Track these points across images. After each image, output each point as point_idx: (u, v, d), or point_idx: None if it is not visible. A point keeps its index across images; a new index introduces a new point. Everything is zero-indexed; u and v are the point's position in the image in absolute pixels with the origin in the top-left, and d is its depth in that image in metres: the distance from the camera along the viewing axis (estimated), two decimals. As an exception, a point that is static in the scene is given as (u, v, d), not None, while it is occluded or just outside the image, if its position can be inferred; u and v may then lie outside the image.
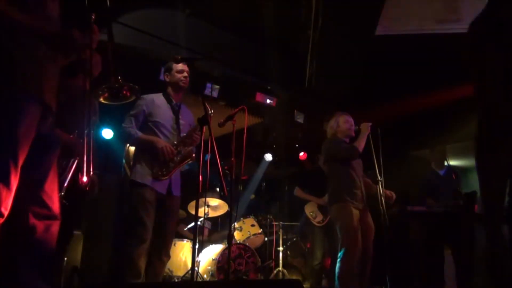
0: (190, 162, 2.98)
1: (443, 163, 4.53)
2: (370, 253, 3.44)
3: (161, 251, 2.84)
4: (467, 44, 1.84)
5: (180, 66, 2.98)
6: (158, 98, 3.02)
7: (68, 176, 2.50)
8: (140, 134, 2.90)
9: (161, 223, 2.84)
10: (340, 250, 3.37)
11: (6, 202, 1.49)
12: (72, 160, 2.54)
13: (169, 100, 3.04)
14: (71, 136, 2.55)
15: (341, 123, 3.73)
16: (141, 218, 2.71)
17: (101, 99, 1.75)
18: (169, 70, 3.04)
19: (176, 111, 3.04)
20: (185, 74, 3.01)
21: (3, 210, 1.48)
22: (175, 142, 2.93)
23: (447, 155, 4.55)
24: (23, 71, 1.58)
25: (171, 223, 2.93)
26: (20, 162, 1.53)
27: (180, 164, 2.92)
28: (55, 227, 1.68)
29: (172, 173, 2.87)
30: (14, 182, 1.52)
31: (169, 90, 3.06)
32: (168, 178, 2.86)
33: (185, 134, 2.99)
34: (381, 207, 3.30)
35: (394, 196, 3.63)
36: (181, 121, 3.05)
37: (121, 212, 4.64)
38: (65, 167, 2.55)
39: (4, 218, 1.50)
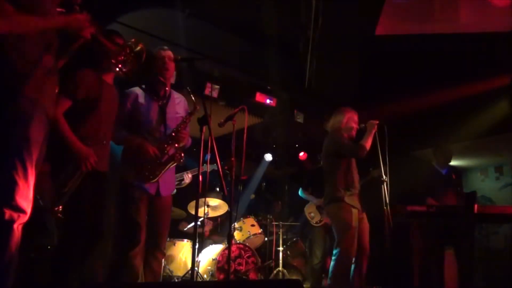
0: (175, 164, 2.83)
1: (447, 163, 4.52)
2: (367, 252, 3.44)
3: (155, 249, 2.79)
4: None
5: (161, 53, 2.81)
6: (142, 94, 2.86)
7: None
8: (125, 134, 2.79)
9: (153, 222, 2.80)
10: (335, 249, 3.35)
11: (25, 196, 1.59)
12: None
13: (155, 94, 2.87)
14: None
15: (349, 121, 3.68)
16: (134, 219, 2.66)
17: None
18: (151, 60, 2.82)
19: (162, 105, 2.87)
20: (165, 60, 2.79)
21: (21, 202, 1.57)
22: (161, 141, 2.78)
23: (451, 155, 4.54)
24: (29, 82, 1.66)
25: (163, 222, 2.86)
26: (34, 159, 1.64)
27: (166, 165, 2.78)
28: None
29: (160, 176, 2.76)
30: (31, 178, 1.63)
31: (155, 81, 2.88)
32: (157, 180, 2.76)
33: (172, 130, 2.82)
34: (385, 208, 3.25)
35: None
36: (168, 115, 2.87)
37: (117, 212, 4.64)
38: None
39: (27, 214, 1.61)
